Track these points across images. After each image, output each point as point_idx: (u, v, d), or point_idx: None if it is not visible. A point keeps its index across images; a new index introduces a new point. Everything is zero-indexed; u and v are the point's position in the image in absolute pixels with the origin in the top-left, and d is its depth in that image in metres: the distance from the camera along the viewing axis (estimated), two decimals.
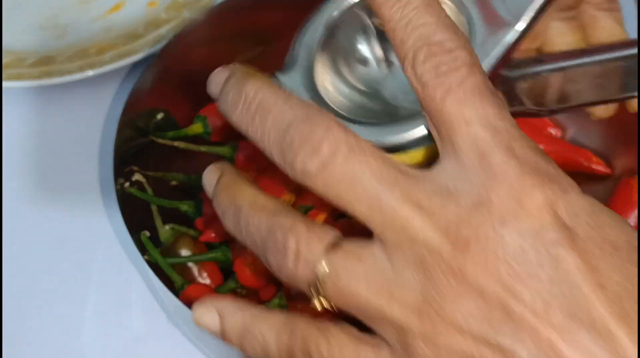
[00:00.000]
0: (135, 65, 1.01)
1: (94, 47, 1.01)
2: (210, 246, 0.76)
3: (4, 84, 0.96)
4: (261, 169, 0.82)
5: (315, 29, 0.59)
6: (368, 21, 0.59)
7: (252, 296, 0.77)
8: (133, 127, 0.80)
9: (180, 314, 0.72)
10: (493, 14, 0.54)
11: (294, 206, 0.79)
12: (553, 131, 0.87)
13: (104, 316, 0.83)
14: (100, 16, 1.07)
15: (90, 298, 0.84)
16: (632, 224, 0.73)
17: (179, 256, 0.75)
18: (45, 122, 0.99)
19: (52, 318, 0.83)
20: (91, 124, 0.98)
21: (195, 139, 0.83)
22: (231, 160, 0.83)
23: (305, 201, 0.78)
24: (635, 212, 0.73)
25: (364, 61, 0.60)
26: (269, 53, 0.91)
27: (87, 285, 0.85)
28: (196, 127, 0.83)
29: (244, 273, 0.72)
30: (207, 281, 0.75)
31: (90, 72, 0.97)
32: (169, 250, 0.76)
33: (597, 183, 0.83)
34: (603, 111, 0.76)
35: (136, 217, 0.75)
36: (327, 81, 0.58)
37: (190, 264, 0.75)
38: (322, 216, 0.75)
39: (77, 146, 0.97)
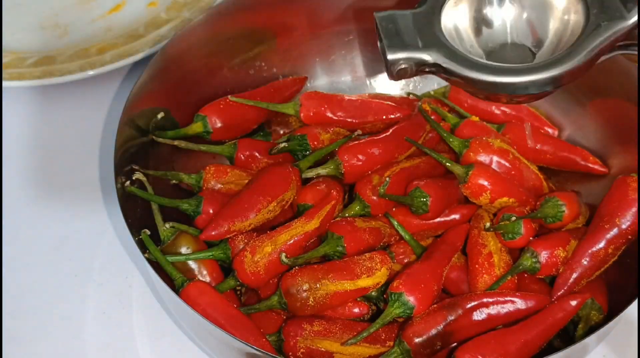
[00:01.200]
0: (136, 65, 1.01)
1: (95, 47, 1.01)
2: (210, 245, 0.77)
3: (5, 83, 0.96)
4: (261, 168, 0.83)
5: None
6: None
7: (251, 293, 0.77)
8: (133, 126, 0.80)
9: (180, 312, 0.72)
10: (611, 4, 0.62)
11: (292, 204, 0.79)
12: (550, 131, 0.88)
13: (104, 314, 0.83)
14: (101, 16, 1.08)
15: (91, 296, 0.85)
16: (629, 221, 0.73)
17: (179, 254, 0.75)
18: (45, 121, 1.00)
19: (52, 316, 0.83)
20: (91, 123, 0.99)
21: (195, 138, 0.84)
22: (231, 159, 0.84)
23: (304, 199, 0.79)
24: (632, 209, 0.73)
25: (481, 23, 0.67)
26: (267, 53, 0.92)
27: (88, 283, 0.86)
28: (196, 127, 0.84)
29: (244, 271, 0.73)
30: (207, 279, 0.75)
31: (91, 72, 0.97)
32: (169, 248, 0.76)
33: (594, 182, 0.84)
34: None
35: (137, 216, 0.76)
36: (451, 29, 0.65)
37: (190, 262, 0.75)
38: (328, 207, 0.75)
39: (78, 145, 0.97)
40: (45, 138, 0.98)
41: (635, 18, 0.61)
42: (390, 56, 0.62)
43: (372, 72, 0.95)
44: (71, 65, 0.99)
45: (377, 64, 0.95)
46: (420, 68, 0.63)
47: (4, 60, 1.00)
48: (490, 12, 0.67)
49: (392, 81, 0.93)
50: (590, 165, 0.84)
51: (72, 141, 0.97)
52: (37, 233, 0.90)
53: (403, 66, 0.63)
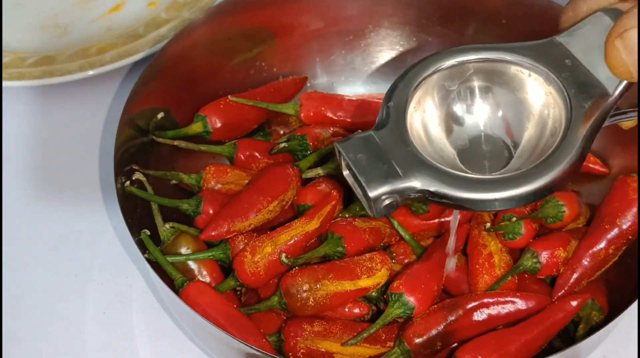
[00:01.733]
0: (136, 65, 1.01)
1: (95, 46, 1.01)
2: (210, 245, 0.77)
3: (5, 83, 0.96)
4: (261, 168, 0.83)
5: (402, 90, 0.58)
6: (452, 87, 0.60)
7: (251, 294, 0.77)
8: (133, 126, 0.80)
9: (180, 312, 0.72)
10: (590, 82, 0.56)
11: (293, 204, 0.79)
12: None
13: (104, 315, 0.83)
14: (101, 16, 1.08)
15: (90, 296, 0.85)
16: (629, 221, 0.73)
17: (179, 254, 0.75)
18: (45, 121, 1.00)
19: (52, 316, 0.83)
20: (91, 123, 0.99)
21: (195, 138, 0.84)
22: (231, 159, 0.84)
23: (304, 199, 0.79)
24: (632, 209, 0.73)
25: (451, 121, 0.61)
26: (267, 53, 0.92)
27: (88, 283, 0.85)
28: (196, 127, 0.84)
29: (244, 271, 0.73)
30: (207, 279, 0.75)
31: (91, 72, 0.97)
32: (169, 248, 0.76)
33: (594, 182, 0.84)
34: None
35: (136, 216, 0.75)
36: (420, 135, 0.59)
37: (190, 262, 0.75)
38: (328, 207, 0.75)
39: (78, 145, 0.97)
40: (45, 138, 0.98)
41: (619, 89, 0.56)
42: (373, 194, 0.54)
43: (372, 72, 0.95)
44: (71, 65, 0.99)
45: (378, 64, 0.95)
46: (405, 197, 0.56)
47: (4, 60, 1.00)
48: (459, 108, 0.61)
49: (393, 81, 0.94)
50: (591, 165, 0.84)
51: (72, 141, 0.97)
52: (37, 233, 0.89)
53: (388, 201, 0.55)
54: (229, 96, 0.85)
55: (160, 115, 0.82)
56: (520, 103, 0.60)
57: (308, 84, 0.93)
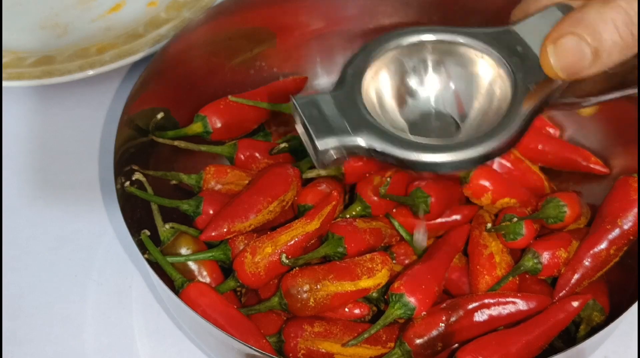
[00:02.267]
0: (135, 65, 1.01)
1: (94, 46, 1.01)
2: (210, 245, 0.76)
3: (4, 83, 0.96)
4: (260, 168, 0.83)
5: (362, 60, 0.62)
6: (408, 62, 0.63)
7: (251, 294, 0.77)
8: (133, 127, 0.80)
9: (180, 312, 0.72)
10: (537, 68, 0.59)
11: (293, 205, 0.79)
12: (552, 131, 0.87)
13: (104, 315, 0.83)
14: (101, 16, 1.08)
15: (90, 296, 0.85)
16: (631, 222, 0.73)
17: (179, 254, 0.75)
18: (45, 121, 1.00)
19: (52, 317, 0.83)
20: (91, 123, 0.99)
21: (196, 138, 0.84)
22: (231, 159, 0.84)
23: (305, 200, 0.78)
24: (634, 210, 0.73)
25: (404, 94, 0.64)
26: (268, 53, 0.92)
27: (87, 284, 0.85)
28: (196, 127, 0.84)
29: (244, 272, 0.72)
30: (207, 279, 0.75)
31: (91, 72, 0.97)
32: (169, 249, 0.76)
33: (595, 182, 0.84)
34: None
35: (136, 216, 0.75)
36: (373, 103, 0.62)
37: (190, 263, 0.75)
38: (329, 207, 0.75)
39: (78, 145, 0.97)
40: (44, 138, 0.98)
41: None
42: (321, 145, 0.57)
43: None
44: (71, 65, 0.98)
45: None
46: (351, 153, 0.58)
47: (4, 60, 1.00)
48: (413, 81, 0.64)
49: None
50: (592, 165, 0.84)
51: (72, 141, 0.97)
52: (37, 233, 0.89)
53: (334, 154, 0.58)
54: (229, 96, 0.85)
55: (160, 115, 0.82)
56: (470, 80, 0.63)
57: (309, 84, 0.93)
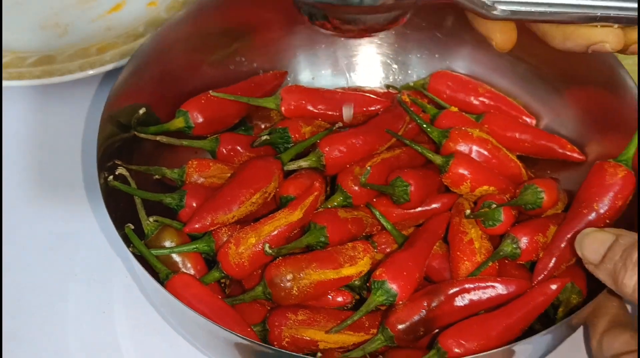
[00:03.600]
0: None
1: (95, 46, 1.01)
2: (194, 238, 0.77)
3: (4, 83, 0.96)
4: (242, 161, 0.84)
5: None
6: None
7: (235, 286, 0.78)
8: (115, 123, 0.80)
9: (165, 304, 0.72)
10: None
11: (275, 197, 0.80)
12: (528, 120, 0.89)
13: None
14: (101, 15, 1.08)
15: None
16: (606, 206, 0.74)
17: (163, 247, 0.76)
18: (45, 121, 0.99)
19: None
20: (91, 123, 0.98)
21: (178, 133, 0.84)
22: (213, 153, 0.84)
23: (287, 191, 0.79)
24: (609, 194, 0.73)
25: None
26: (248, 48, 0.92)
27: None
28: (178, 122, 0.84)
29: (228, 263, 0.73)
30: (192, 271, 0.75)
31: (91, 72, 0.97)
32: (153, 242, 0.76)
33: (572, 169, 0.85)
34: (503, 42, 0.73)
35: (120, 210, 0.76)
36: None
37: (174, 255, 0.76)
38: (311, 198, 0.76)
39: (78, 145, 0.97)
40: (44, 138, 0.98)
41: None
42: None
43: (352, 65, 0.96)
44: (71, 64, 0.98)
45: (358, 57, 0.96)
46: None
47: (4, 59, 0.99)
48: None
49: (372, 75, 0.95)
50: (569, 153, 0.85)
51: (72, 140, 0.97)
52: (37, 232, 0.90)
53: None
54: (210, 91, 0.86)
55: (142, 111, 0.82)
56: None
57: (289, 79, 0.94)
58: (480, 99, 0.90)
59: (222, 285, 0.79)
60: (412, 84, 0.93)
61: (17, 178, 0.94)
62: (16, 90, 1.01)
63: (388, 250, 0.79)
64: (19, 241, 0.89)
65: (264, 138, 0.82)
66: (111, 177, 0.76)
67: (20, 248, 0.88)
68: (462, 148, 0.81)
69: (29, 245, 0.89)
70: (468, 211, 0.77)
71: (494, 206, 0.76)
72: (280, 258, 0.73)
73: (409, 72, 0.95)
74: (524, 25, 0.72)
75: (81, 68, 0.97)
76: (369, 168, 0.78)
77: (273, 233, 0.74)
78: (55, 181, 0.94)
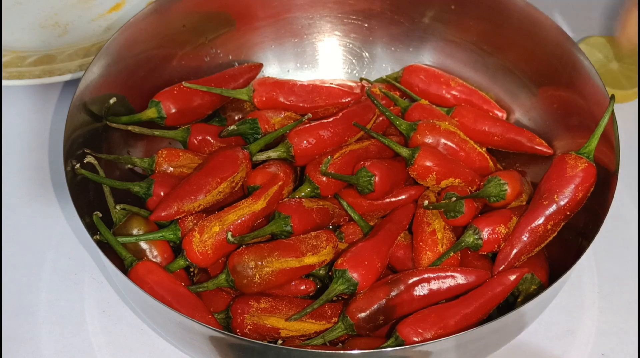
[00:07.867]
0: None
1: (94, 45, 1.02)
2: (161, 226, 0.78)
3: (5, 82, 0.96)
4: (212, 151, 0.84)
5: None
6: None
7: (203, 274, 0.79)
8: (87, 112, 0.81)
9: (128, 290, 0.73)
10: None
11: (243, 186, 0.81)
12: (499, 114, 0.89)
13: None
14: (101, 15, 1.08)
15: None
16: (567, 198, 0.74)
17: (130, 235, 0.76)
18: (45, 120, 0.99)
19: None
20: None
21: (150, 123, 0.85)
22: (184, 143, 0.85)
23: (254, 181, 0.80)
24: (570, 186, 0.74)
25: None
26: (223, 40, 0.93)
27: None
28: (150, 112, 0.85)
29: (192, 251, 0.74)
30: (159, 259, 0.76)
31: None
32: (120, 230, 0.77)
33: (541, 163, 0.85)
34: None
35: (88, 199, 0.77)
36: None
37: (142, 243, 0.76)
38: (275, 187, 0.77)
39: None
40: (44, 137, 0.98)
41: None
42: None
43: (324, 58, 0.96)
44: (71, 64, 0.99)
45: (331, 49, 0.96)
46: None
47: (4, 59, 1.00)
48: None
49: (343, 67, 0.96)
50: (537, 147, 0.85)
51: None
52: (37, 232, 0.90)
53: None
54: (183, 82, 0.86)
55: (112, 100, 0.83)
56: None
57: (263, 71, 0.94)
58: (452, 92, 0.90)
59: (192, 273, 0.79)
60: (385, 77, 0.93)
61: (18, 177, 0.94)
62: (16, 90, 1.01)
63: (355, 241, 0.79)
64: (25, 245, 0.89)
65: (232, 128, 0.83)
66: (78, 165, 0.77)
67: (26, 252, 0.88)
68: (430, 140, 0.81)
69: (38, 248, 0.89)
70: (426, 202, 0.77)
71: (455, 198, 0.76)
72: (243, 246, 0.74)
73: (384, 65, 0.96)
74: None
75: (81, 67, 0.98)
76: (330, 157, 0.78)
77: (237, 222, 0.75)
78: (55, 181, 0.94)
